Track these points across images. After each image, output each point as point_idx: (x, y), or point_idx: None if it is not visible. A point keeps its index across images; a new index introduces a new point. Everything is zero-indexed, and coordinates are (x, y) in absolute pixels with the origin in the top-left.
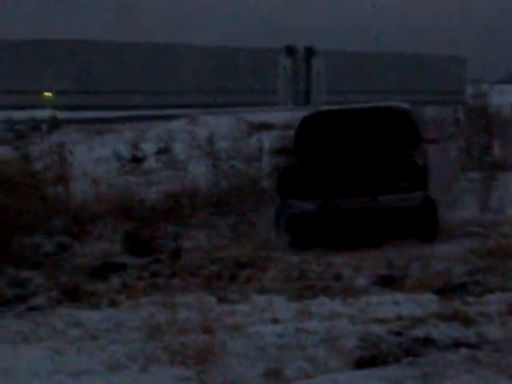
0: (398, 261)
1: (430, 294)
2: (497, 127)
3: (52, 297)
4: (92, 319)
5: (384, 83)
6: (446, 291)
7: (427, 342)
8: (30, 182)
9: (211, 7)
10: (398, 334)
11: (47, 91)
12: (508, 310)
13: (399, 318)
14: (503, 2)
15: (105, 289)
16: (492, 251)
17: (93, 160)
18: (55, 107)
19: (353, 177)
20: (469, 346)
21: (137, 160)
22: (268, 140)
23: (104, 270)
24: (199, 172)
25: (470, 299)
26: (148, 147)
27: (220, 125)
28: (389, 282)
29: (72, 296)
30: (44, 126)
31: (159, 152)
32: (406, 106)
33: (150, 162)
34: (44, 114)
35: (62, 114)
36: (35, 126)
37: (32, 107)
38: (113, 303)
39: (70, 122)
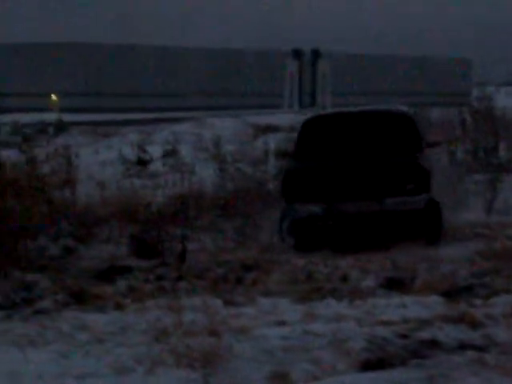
0: (405, 263)
1: (437, 296)
2: (502, 129)
3: (58, 300)
4: (98, 322)
5: (389, 85)
6: (452, 293)
7: (433, 344)
8: (36, 185)
9: (211, 7)
10: (405, 336)
11: (52, 94)
12: None
13: (406, 320)
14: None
15: (111, 292)
16: (498, 253)
17: (99, 163)
18: (62, 110)
19: (358, 180)
20: (475, 348)
21: (143, 163)
22: (274, 142)
23: (110, 272)
24: (205, 175)
25: (477, 301)
26: (154, 150)
27: (226, 127)
28: (395, 284)
29: (78, 299)
30: (50, 129)
31: (165, 155)
32: (405, 108)
33: (156, 165)
34: (50, 116)
35: (68, 117)
36: (42, 128)
37: (39, 110)
38: (119, 306)
39: (75, 124)
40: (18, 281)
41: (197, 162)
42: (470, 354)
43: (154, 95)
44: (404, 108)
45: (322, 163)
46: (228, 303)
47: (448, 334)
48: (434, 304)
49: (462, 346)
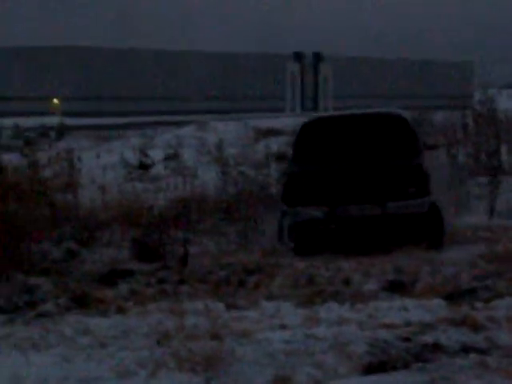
0: (407, 266)
1: (439, 299)
2: (504, 132)
3: (60, 303)
4: (100, 326)
5: (391, 88)
6: (454, 296)
7: (436, 347)
8: (38, 189)
9: (211, 8)
10: (407, 339)
11: (53, 98)
12: None
13: (408, 323)
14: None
15: (113, 295)
16: (500, 256)
17: (100, 167)
18: (64, 114)
19: (360, 183)
20: (478, 351)
21: (144, 166)
22: (276, 146)
23: (112, 276)
24: (208, 178)
25: (479, 304)
26: (156, 154)
27: (228, 131)
28: (397, 287)
29: (80, 303)
30: (52, 133)
31: (167, 158)
32: (401, 111)
33: (158, 169)
34: (52, 120)
35: (70, 121)
36: (43, 132)
37: (40, 114)
38: (121, 310)
39: (77, 128)
40: (20, 284)
41: (199, 166)
42: (473, 357)
43: (154, 99)
44: (400, 110)
45: (322, 167)
46: (230, 307)
47: (450, 337)
48: (437, 307)
49: (465, 349)
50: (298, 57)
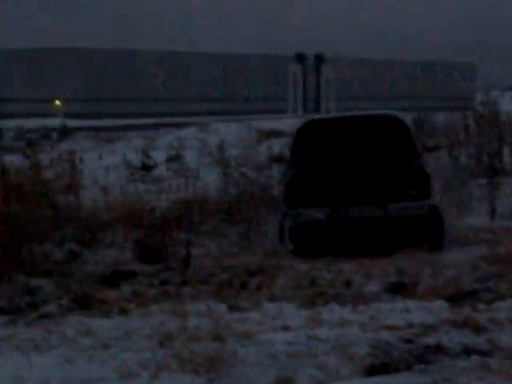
0: (408, 268)
1: (441, 301)
2: (506, 134)
3: (63, 305)
4: (103, 327)
5: (393, 90)
6: (456, 298)
7: (438, 349)
8: (40, 190)
9: (211, 8)
10: (409, 341)
11: (54, 99)
12: None
13: (410, 325)
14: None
15: (115, 297)
16: (502, 258)
17: (103, 168)
18: (66, 115)
19: (361, 185)
20: (480, 353)
21: (147, 168)
22: (278, 147)
23: (114, 277)
24: (210, 179)
25: (481, 306)
26: (158, 155)
27: (230, 132)
28: (399, 289)
29: (83, 304)
30: (54, 134)
31: (170, 159)
32: (399, 113)
33: (161, 170)
34: (54, 122)
35: (72, 122)
36: (45, 134)
37: (41, 115)
38: (123, 311)
39: (78, 129)
40: (22, 285)
41: (201, 167)
42: (475, 358)
43: (154, 100)
44: (396, 112)
45: (323, 169)
46: (232, 308)
47: (452, 338)
48: (439, 309)
49: (467, 351)
50: (300, 58)
